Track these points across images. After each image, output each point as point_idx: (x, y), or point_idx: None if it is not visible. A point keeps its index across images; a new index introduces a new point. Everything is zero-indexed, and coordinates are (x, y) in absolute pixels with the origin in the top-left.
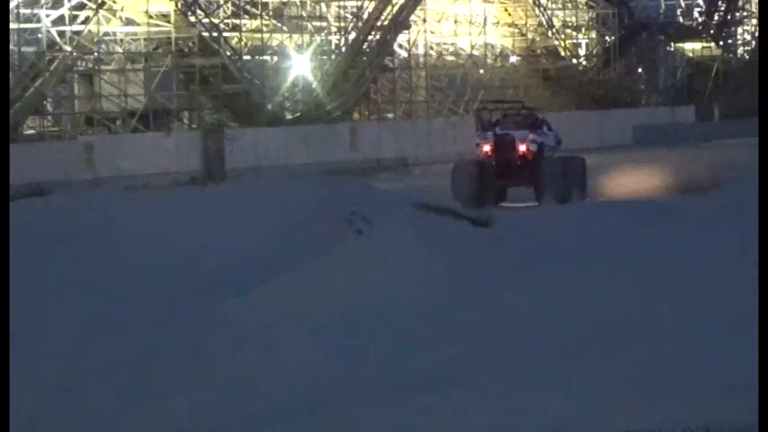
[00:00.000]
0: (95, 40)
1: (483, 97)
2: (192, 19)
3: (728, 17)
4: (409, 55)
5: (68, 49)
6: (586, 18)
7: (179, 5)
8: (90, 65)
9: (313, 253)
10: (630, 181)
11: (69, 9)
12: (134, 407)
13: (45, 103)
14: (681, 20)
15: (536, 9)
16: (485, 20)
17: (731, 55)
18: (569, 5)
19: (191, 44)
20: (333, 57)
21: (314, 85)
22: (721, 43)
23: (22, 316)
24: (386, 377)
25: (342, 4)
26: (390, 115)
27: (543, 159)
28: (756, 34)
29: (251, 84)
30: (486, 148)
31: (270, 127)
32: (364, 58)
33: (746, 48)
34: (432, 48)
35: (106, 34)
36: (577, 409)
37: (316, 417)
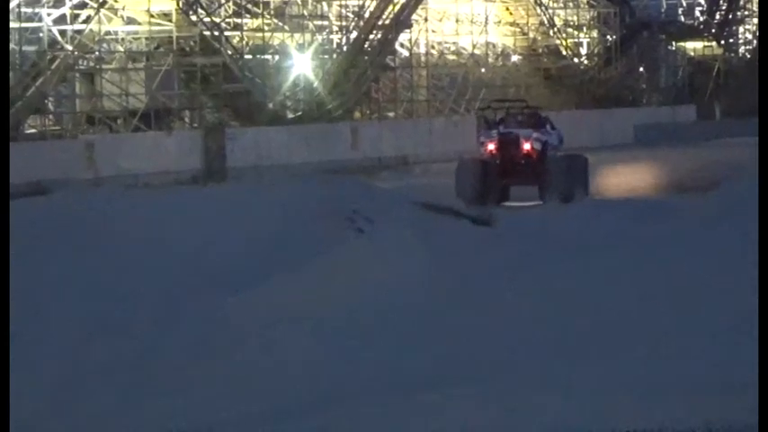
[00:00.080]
0: (97, 39)
1: (484, 96)
2: (194, 18)
3: (730, 16)
4: (410, 54)
5: (70, 48)
6: (588, 17)
7: (180, 4)
8: (91, 64)
9: (313, 252)
10: (631, 180)
11: (71, 8)
12: (134, 406)
13: (46, 102)
14: (682, 19)
15: (537, 8)
16: (486, 19)
17: (732, 54)
18: (571, 4)
19: (192, 43)
20: (334, 56)
21: (315, 85)
22: (722, 42)
23: (21, 315)
24: (386, 376)
25: (343, 3)
26: (391, 114)
27: (547, 158)
28: (757, 33)
29: (252, 83)
30: (491, 146)
31: (271, 126)
32: (366, 58)
33: (748, 47)
34: (433, 47)
35: (107, 33)
36: (577, 408)
37: (316, 416)
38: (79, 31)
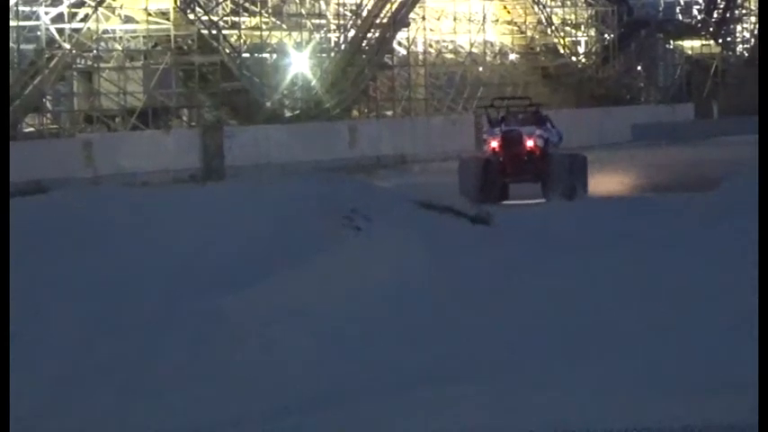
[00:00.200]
0: (94, 37)
1: (482, 95)
2: (191, 16)
3: (727, 15)
4: (408, 53)
5: (67, 46)
6: (585, 15)
7: (178, 3)
8: (89, 62)
9: (312, 250)
10: (630, 178)
11: (68, 6)
12: (133, 405)
13: (44, 100)
14: (680, 17)
15: (535, 6)
16: (484, 17)
17: (730, 53)
18: (568, 3)
19: (190, 42)
20: (332, 54)
21: (313, 83)
22: (720, 41)
23: (19, 314)
24: (385, 375)
25: (341, 1)
26: (389, 113)
27: (550, 155)
28: (755, 32)
29: (250, 81)
30: (494, 144)
31: (269, 124)
32: (363, 56)
33: (745, 45)
34: (431, 45)
35: (105, 32)
36: (577, 407)
37: (315, 414)
38: (77, 30)
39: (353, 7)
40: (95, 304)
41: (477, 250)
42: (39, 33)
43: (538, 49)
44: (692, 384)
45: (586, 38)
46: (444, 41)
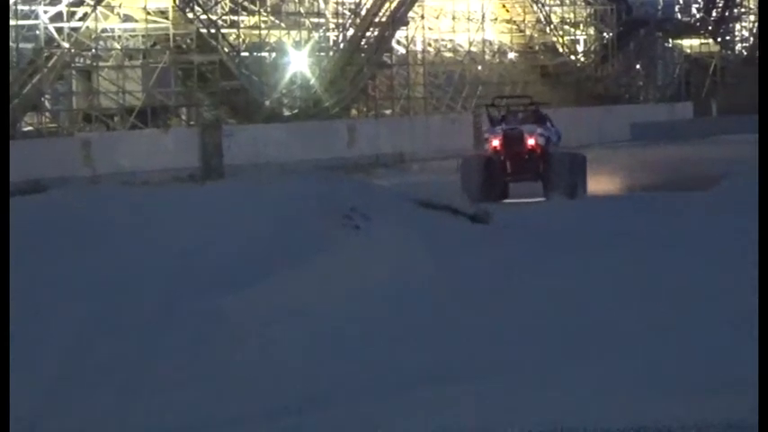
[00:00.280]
0: (93, 36)
1: (481, 94)
2: (190, 15)
3: (726, 13)
4: (407, 51)
5: (66, 45)
6: (584, 14)
7: (177, 2)
8: (88, 61)
9: (311, 250)
10: (629, 177)
11: (67, 5)
12: (133, 404)
13: (43, 99)
14: (679, 16)
15: (534, 5)
16: (483, 16)
17: (729, 51)
18: (567, 2)
19: (188, 41)
20: (331, 53)
21: (312, 82)
22: (719, 40)
23: (18, 313)
24: (385, 374)
25: (340, 0)
26: (388, 112)
27: (551, 154)
28: (754, 31)
29: (249, 80)
30: (496, 142)
31: (268, 123)
32: (362, 55)
33: (744, 44)
34: (430, 44)
35: (104, 31)
36: (577, 406)
37: (314, 413)
38: (76, 29)
39: (352, 6)
40: (95, 304)
41: (477, 249)
42: (37, 32)
43: (537, 47)
44: (692, 384)
45: (585, 37)
46: (443, 40)
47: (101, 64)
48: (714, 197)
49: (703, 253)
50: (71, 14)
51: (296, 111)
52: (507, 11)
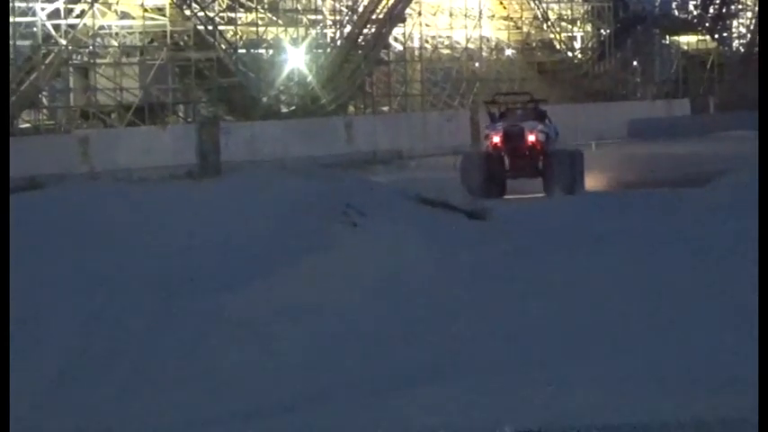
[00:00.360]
0: (91, 33)
1: (478, 90)
2: (188, 12)
3: (724, 10)
4: (404, 48)
5: (64, 42)
6: (581, 11)
7: None
8: (85, 58)
9: (309, 247)
10: (626, 174)
11: (65, 2)
12: (133, 404)
13: (40, 96)
14: (676, 13)
15: (531, 2)
16: (480, 13)
17: (726, 48)
18: None
19: (186, 38)
20: (328, 50)
21: (309, 79)
22: (717, 36)
23: (16, 311)
24: (384, 371)
25: None
26: (386, 108)
27: (550, 151)
28: (752, 27)
29: (246, 77)
30: (496, 139)
31: (265, 120)
32: (360, 52)
33: (742, 41)
34: (427, 41)
35: (101, 28)
36: (576, 404)
37: (314, 411)
38: (73, 26)
39: (349, 3)
40: (93, 302)
41: (474, 246)
42: (35, 29)
43: (534, 44)
44: (691, 382)
45: (582, 33)
46: (440, 37)
47: (98, 61)
48: (712, 194)
49: (702, 250)
50: (68, 11)
51: (293, 108)
52: (504, 7)
